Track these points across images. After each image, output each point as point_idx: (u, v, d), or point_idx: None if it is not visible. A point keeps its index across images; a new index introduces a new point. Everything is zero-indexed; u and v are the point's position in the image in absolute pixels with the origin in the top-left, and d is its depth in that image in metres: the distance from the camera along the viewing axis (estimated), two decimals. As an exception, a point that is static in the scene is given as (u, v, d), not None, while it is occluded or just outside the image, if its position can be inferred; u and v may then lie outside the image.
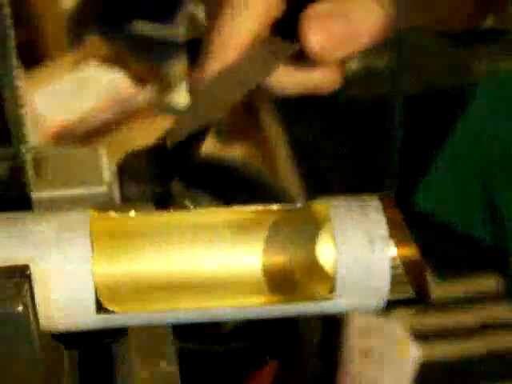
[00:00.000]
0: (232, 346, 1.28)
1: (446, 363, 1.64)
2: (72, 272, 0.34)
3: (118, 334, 0.40)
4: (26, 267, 0.33)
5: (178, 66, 1.88)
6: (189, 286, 0.37)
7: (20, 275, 0.33)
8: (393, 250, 0.36)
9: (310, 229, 0.37)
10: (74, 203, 0.44)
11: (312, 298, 0.36)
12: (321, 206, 0.37)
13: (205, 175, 1.25)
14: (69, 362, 0.39)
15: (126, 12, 2.30)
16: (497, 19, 0.48)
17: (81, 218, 0.35)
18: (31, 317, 0.33)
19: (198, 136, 0.52)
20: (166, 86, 1.76)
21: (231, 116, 1.75)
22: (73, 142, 1.52)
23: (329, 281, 0.36)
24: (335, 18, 0.40)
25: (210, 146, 1.58)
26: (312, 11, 0.40)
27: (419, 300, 0.37)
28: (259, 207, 0.38)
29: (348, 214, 0.37)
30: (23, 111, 0.45)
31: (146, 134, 1.59)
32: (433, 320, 1.71)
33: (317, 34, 0.40)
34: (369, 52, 0.50)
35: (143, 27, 2.27)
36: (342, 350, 1.41)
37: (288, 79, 0.44)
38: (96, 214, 0.36)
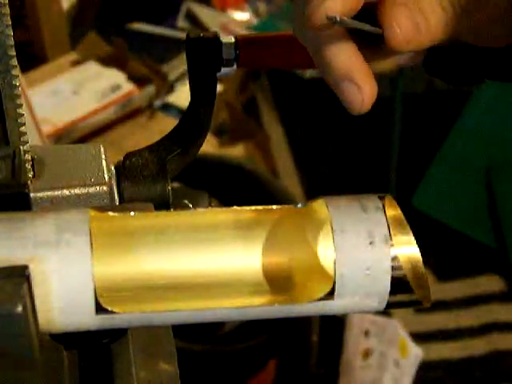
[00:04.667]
0: (232, 346, 1.28)
1: (446, 363, 1.64)
2: (72, 272, 0.34)
3: (118, 333, 0.40)
4: (25, 267, 0.33)
5: (178, 65, 1.88)
6: (188, 286, 0.37)
7: (19, 275, 0.33)
8: (393, 250, 0.36)
9: (310, 229, 0.37)
10: (73, 203, 0.44)
11: (312, 298, 0.36)
12: (321, 205, 0.37)
13: (205, 175, 1.25)
14: (69, 362, 0.39)
15: (126, 12, 2.31)
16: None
17: (80, 218, 0.35)
18: (30, 317, 0.33)
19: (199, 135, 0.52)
20: (166, 86, 1.76)
21: (232, 116, 1.75)
22: (73, 142, 1.52)
23: (329, 281, 0.36)
24: (412, 8, 0.40)
25: (210, 146, 1.58)
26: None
27: (420, 300, 0.37)
28: (259, 207, 0.38)
29: (348, 214, 0.36)
30: (22, 111, 0.45)
31: (145, 134, 1.59)
32: (433, 320, 1.71)
33: (402, 23, 0.40)
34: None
35: (143, 27, 2.27)
36: (342, 350, 1.41)
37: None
38: (95, 213, 0.36)
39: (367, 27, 0.42)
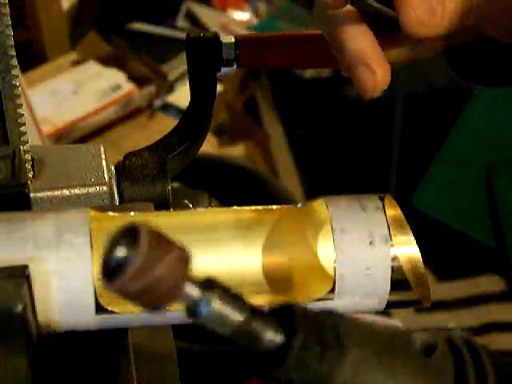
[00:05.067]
0: (232, 346, 1.28)
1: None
2: (72, 272, 0.34)
3: (118, 333, 0.40)
4: (25, 267, 0.33)
5: (178, 65, 1.88)
6: (189, 286, 0.37)
7: (19, 275, 0.33)
8: (393, 250, 0.36)
9: (310, 229, 0.37)
10: (73, 203, 0.44)
11: (312, 298, 0.36)
12: (321, 205, 0.37)
13: (205, 175, 1.25)
14: (68, 361, 0.39)
15: (126, 12, 2.31)
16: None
17: (80, 218, 0.35)
18: (30, 317, 0.33)
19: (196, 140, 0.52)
20: (165, 86, 1.76)
21: (232, 116, 1.75)
22: (73, 142, 1.52)
23: (329, 281, 0.36)
24: None
25: (210, 146, 1.58)
26: None
27: (420, 300, 0.37)
28: (259, 207, 0.38)
29: (348, 214, 0.36)
30: (22, 111, 0.45)
31: (145, 134, 1.59)
32: (433, 320, 1.71)
33: (417, 6, 0.40)
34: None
35: (143, 27, 2.27)
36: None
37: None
38: (96, 213, 0.36)
39: (383, 9, 0.43)
